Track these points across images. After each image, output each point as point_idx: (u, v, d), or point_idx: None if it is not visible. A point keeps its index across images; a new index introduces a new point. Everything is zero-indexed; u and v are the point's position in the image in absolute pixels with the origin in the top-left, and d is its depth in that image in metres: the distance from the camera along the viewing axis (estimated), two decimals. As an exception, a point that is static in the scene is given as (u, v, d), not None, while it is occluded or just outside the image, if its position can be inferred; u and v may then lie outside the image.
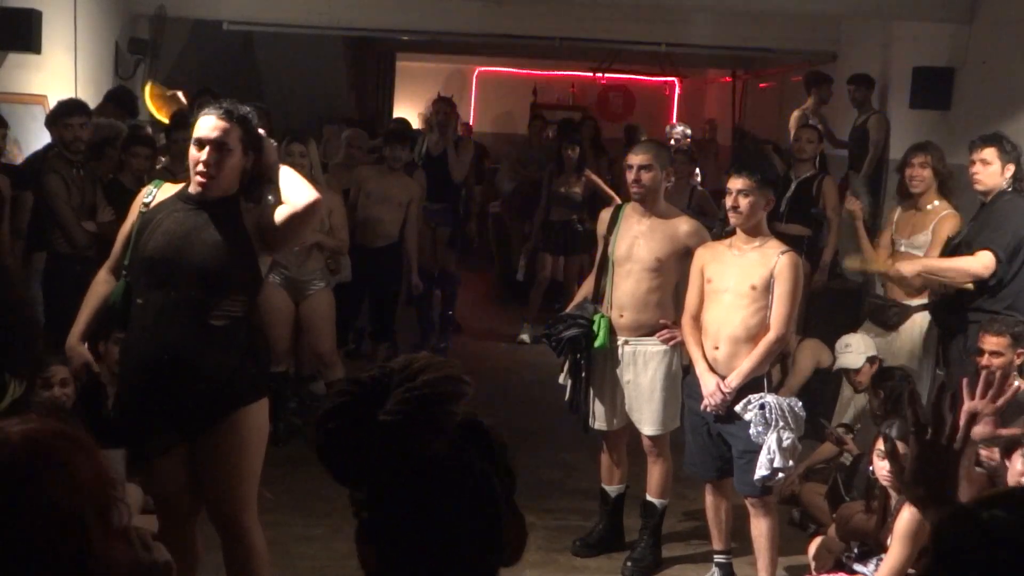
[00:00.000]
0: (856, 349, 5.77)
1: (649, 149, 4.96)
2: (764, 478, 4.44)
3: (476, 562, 1.44)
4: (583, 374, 4.98)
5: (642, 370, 4.93)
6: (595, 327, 4.92)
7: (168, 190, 3.70)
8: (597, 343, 4.92)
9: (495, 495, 1.43)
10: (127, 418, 3.65)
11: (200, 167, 3.50)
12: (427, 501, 1.41)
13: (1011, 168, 5.31)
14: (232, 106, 3.58)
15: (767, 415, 4.41)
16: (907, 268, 5.50)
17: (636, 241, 4.90)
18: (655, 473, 5.07)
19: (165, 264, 3.49)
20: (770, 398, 4.47)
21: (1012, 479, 3.52)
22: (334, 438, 1.43)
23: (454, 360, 1.50)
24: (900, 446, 4.19)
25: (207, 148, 3.49)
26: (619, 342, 4.94)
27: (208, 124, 3.51)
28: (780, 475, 4.45)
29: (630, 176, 4.87)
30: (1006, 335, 4.74)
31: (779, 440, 4.38)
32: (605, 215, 5.18)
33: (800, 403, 4.58)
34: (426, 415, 1.40)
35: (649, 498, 5.10)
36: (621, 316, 4.93)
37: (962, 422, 1.82)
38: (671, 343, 4.89)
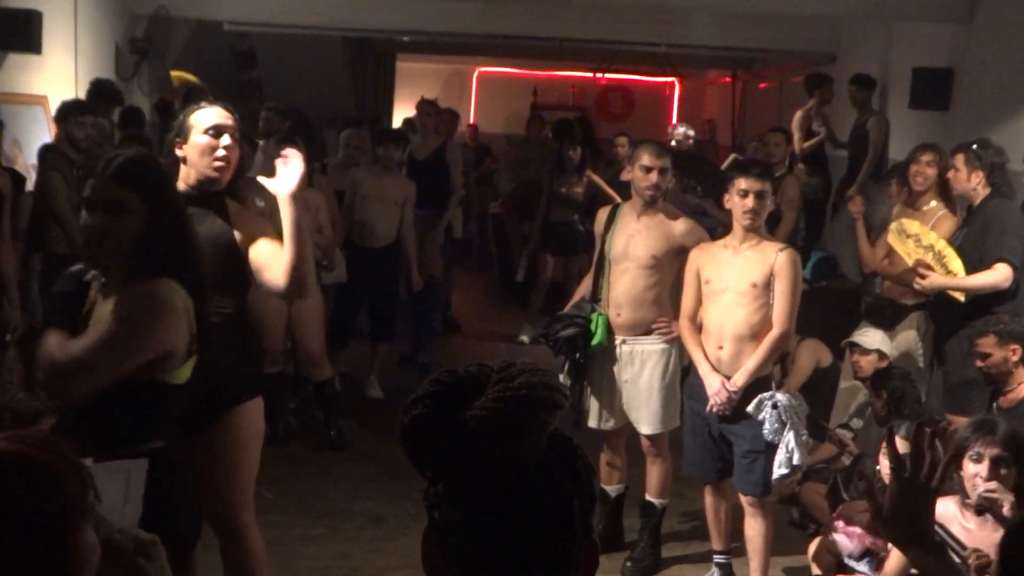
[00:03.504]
0: (873, 336, 5.73)
1: (665, 153, 4.96)
2: (783, 476, 4.51)
3: None
4: (581, 373, 5.00)
5: (640, 369, 4.94)
6: (593, 326, 4.93)
7: None
8: (595, 341, 4.92)
9: (572, 513, 1.39)
10: None
11: (221, 151, 3.51)
12: (503, 505, 1.36)
13: (978, 175, 5.36)
14: (223, 103, 3.65)
15: (782, 414, 4.43)
16: (931, 284, 5.42)
17: (632, 239, 4.90)
18: (654, 473, 5.08)
19: None
20: (780, 396, 4.49)
21: (967, 482, 3.53)
22: (421, 425, 1.38)
23: (552, 371, 1.47)
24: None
25: (225, 135, 3.52)
26: (617, 341, 4.95)
27: (221, 113, 3.56)
28: (799, 473, 4.54)
29: (651, 179, 4.83)
30: (990, 334, 4.73)
31: (797, 437, 4.43)
32: (603, 214, 5.18)
33: (801, 396, 4.64)
34: (518, 417, 1.37)
35: (648, 498, 5.10)
36: (618, 315, 4.93)
37: (942, 461, 1.80)
38: (668, 337, 4.89)
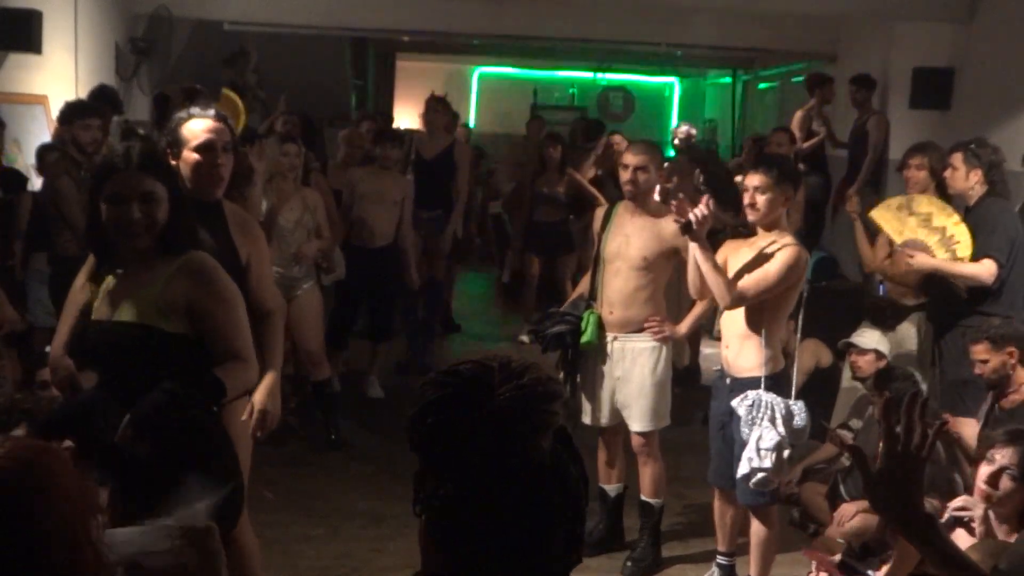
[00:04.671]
0: (870, 336, 5.72)
1: (646, 150, 4.97)
2: (744, 477, 4.36)
3: (557, 563, 1.43)
4: (571, 370, 5.01)
5: (631, 366, 4.94)
6: (584, 323, 4.94)
7: None
8: (584, 339, 4.93)
9: (581, 496, 1.44)
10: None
11: (218, 171, 3.53)
12: (526, 497, 1.39)
13: (976, 174, 5.35)
14: (217, 110, 3.65)
15: (753, 412, 4.36)
16: (920, 263, 5.43)
17: (625, 239, 4.91)
18: (647, 473, 5.06)
19: None
20: (765, 396, 4.38)
21: (977, 483, 3.54)
22: (441, 430, 1.39)
23: (541, 364, 1.49)
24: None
25: (217, 153, 3.51)
26: (608, 338, 4.96)
27: (212, 126, 3.54)
28: (760, 475, 4.31)
29: (626, 176, 4.89)
30: (983, 340, 4.72)
31: (759, 438, 4.31)
32: (600, 213, 5.21)
33: (800, 405, 4.45)
34: (538, 411, 1.40)
35: (644, 498, 5.09)
36: (611, 313, 4.95)
37: (931, 431, 1.81)
38: (659, 337, 4.89)
